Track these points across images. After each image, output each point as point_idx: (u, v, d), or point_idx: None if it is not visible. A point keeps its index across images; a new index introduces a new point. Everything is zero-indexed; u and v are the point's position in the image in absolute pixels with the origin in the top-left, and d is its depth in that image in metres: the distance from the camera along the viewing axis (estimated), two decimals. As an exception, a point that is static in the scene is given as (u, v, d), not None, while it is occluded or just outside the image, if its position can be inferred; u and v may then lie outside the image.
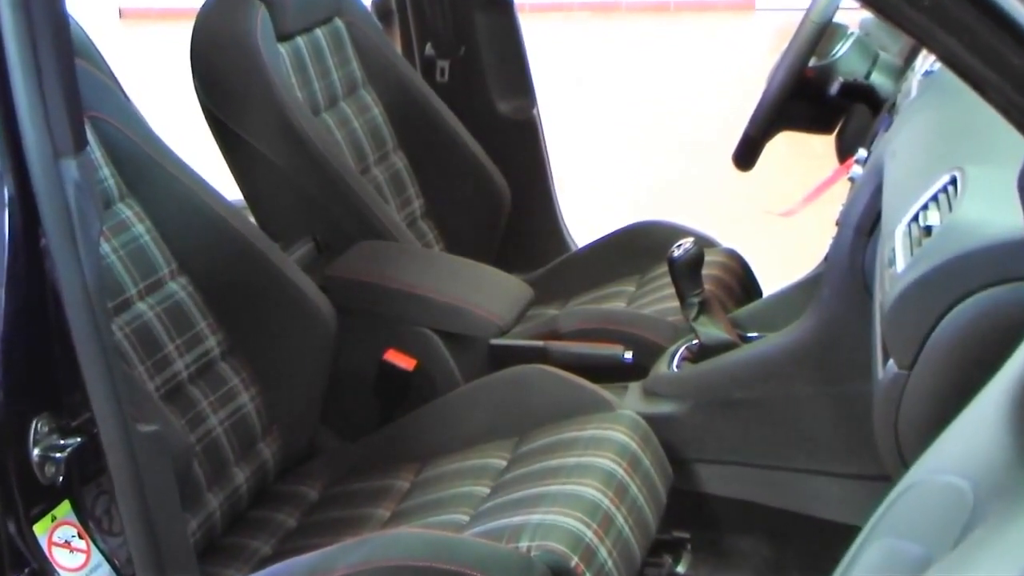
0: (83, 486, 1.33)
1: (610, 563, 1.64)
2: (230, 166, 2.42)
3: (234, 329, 1.98)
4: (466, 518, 1.77)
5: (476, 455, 1.94)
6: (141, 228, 1.91)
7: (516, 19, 2.93)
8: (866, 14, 2.37)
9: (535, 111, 2.96)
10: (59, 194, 1.25)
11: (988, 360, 1.12)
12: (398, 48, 2.91)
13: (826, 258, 2.14)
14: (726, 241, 2.73)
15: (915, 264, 1.40)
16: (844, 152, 2.35)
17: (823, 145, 2.51)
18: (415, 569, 1.54)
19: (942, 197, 1.46)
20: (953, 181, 1.47)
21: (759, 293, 2.62)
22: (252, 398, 1.99)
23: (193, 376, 1.91)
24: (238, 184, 2.45)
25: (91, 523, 1.33)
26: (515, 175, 2.80)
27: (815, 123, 2.44)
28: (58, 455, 1.29)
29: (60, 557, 1.30)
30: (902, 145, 1.75)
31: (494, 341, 2.24)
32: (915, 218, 1.48)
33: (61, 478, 1.30)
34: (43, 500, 1.29)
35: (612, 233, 2.77)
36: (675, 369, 2.15)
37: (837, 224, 1.91)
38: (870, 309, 1.68)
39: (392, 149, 2.70)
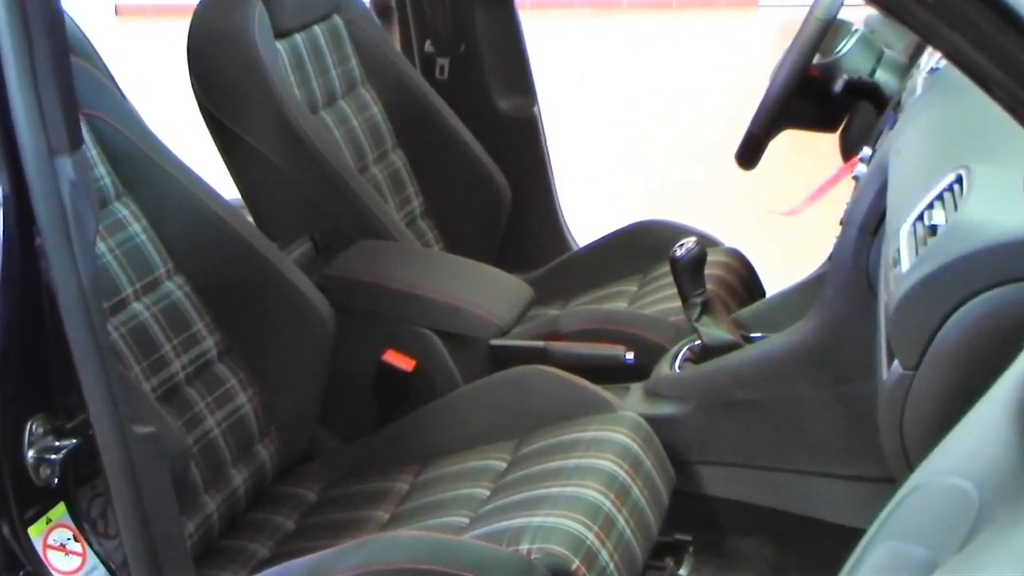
0: (79, 488, 1.32)
1: (612, 566, 1.63)
2: (227, 165, 2.41)
3: (231, 329, 1.97)
4: (466, 520, 1.76)
5: (476, 457, 1.93)
6: (137, 227, 1.90)
7: (516, 16, 2.92)
8: (871, 11, 2.36)
9: (536, 109, 2.95)
10: (54, 193, 1.24)
11: (994, 361, 1.12)
12: (397, 45, 2.90)
13: (830, 258, 2.13)
14: (729, 240, 2.72)
15: (920, 264, 1.39)
16: (848, 150, 2.34)
17: (827, 143, 2.49)
18: (414, 572, 1.53)
19: (947, 196, 1.45)
20: (959, 180, 1.46)
21: (762, 293, 2.61)
22: (250, 399, 1.98)
23: (190, 377, 1.90)
24: (235, 183, 2.44)
25: (87, 526, 1.33)
26: (515, 174, 2.79)
27: (819, 121, 2.43)
28: (53, 457, 1.28)
29: (55, 560, 1.29)
30: (907, 143, 1.74)
31: (494, 341, 2.23)
32: (920, 217, 1.47)
33: (56, 480, 1.29)
34: (38, 502, 1.29)
35: (613, 232, 2.76)
36: (677, 370, 2.14)
37: (841, 223, 1.90)
38: (875, 309, 1.67)
39: (391, 147, 2.68)
